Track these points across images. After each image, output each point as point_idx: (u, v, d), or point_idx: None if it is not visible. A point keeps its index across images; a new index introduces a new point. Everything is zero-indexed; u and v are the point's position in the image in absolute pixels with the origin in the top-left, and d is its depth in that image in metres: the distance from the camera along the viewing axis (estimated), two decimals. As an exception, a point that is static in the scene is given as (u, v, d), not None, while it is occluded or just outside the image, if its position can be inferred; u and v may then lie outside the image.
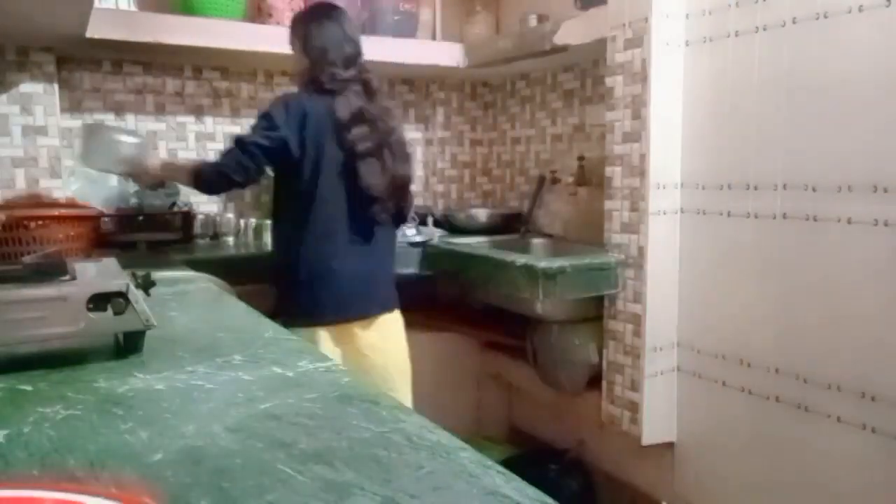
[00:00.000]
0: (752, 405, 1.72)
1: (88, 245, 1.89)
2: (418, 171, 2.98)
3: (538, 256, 2.32)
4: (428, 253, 2.30)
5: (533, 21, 2.46)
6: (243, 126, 2.44)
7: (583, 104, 2.56)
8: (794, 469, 1.65)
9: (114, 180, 2.22)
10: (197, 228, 2.36)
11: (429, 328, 2.55)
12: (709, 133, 1.79)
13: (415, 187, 2.89)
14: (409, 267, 2.29)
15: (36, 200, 2.03)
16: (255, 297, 1.50)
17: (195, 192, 1.86)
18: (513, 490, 0.53)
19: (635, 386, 1.90)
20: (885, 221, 1.43)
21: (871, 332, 1.47)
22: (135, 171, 1.86)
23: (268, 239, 2.27)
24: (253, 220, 2.48)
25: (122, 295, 0.88)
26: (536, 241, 2.55)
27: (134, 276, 0.96)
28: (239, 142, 1.70)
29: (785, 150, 1.62)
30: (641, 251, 1.86)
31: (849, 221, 1.49)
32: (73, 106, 2.33)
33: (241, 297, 1.57)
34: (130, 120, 2.43)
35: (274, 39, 2.14)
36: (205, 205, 2.50)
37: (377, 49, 2.49)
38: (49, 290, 0.87)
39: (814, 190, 1.56)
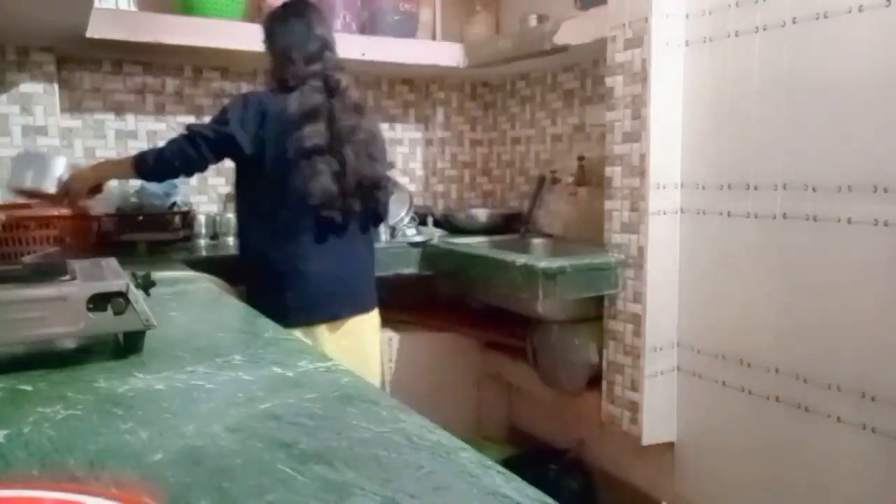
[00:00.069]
0: (752, 405, 1.72)
1: (88, 245, 1.90)
2: (418, 171, 2.98)
3: (538, 256, 2.32)
4: (428, 253, 2.30)
5: (533, 21, 2.46)
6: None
7: (583, 104, 2.56)
8: (794, 469, 1.65)
9: (114, 181, 2.21)
10: (197, 228, 2.36)
11: (429, 328, 2.55)
12: (709, 133, 1.79)
13: (414, 187, 2.91)
14: (409, 267, 2.29)
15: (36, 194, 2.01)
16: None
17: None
18: (513, 490, 0.53)
19: (635, 386, 1.90)
20: (885, 221, 1.43)
21: (871, 332, 1.47)
22: (69, 184, 1.83)
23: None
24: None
25: (122, 295, 0.88)
26: (536, 241, 2.56)
27: (134, 276, 0.96)
28: (188, 130, 1.71)
29: (785, 150, 1.62)
30: (641, 251, 1.86)
31: (849, 221, 1.49)
32: (73, 106, 2.33)
33: (241, 297, 1.57)
34: (130, 120, 2.43)
35: (274, 39, 2.14)
36: (205, 205, 2.51)
37: (377, 49, 2.50)
38: (49, 290, 0.87)
39: (814, 190, 1.56)
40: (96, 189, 1.87)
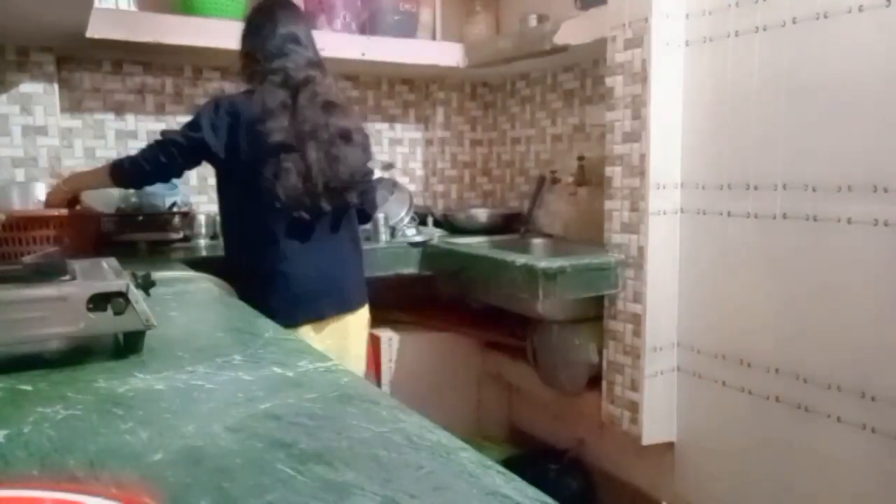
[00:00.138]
0: (752, 405, 1.72)
1: (88, 245, 1.90)
2: (418, 171, 2.98)
3: (538, 256, 2.32)
4: (428, 253, 2.30)
5: (533, 21, 2.46)
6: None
7: (583, 104, 2.56)
8: (794, 469, 1.65)
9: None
10: (197, 228, 2.36)
11: (429, 328, 2.55)
12: (709, 133, 1.79)
13: (414, 187, 2.91)
14: (409, 267, 2.29)
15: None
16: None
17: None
18: (513, 490, 0.53)
19: (635, 386, 1.90)
20: (885, 221, 1.43)
21: (871, 332, 1.47)
22: (47, 201, 1.86)
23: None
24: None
25: (122, 295, 0.88)
26: (536, 241, 2.56)
27: (134, 276, 0.96)
28: (162, 136, 1.72)
29: (785, 150, 1.62)
30: (641, 251, 1.86)
31: (849, 221, 1.49)
32: (73, 106, 2.33)
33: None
34: (130, 120, 2.43)
35: (274, 39, 2.14)
36: (205, 205, 2.50)
37: (377, 49, 2.50)
38: (49, 290, 0.86)
39: (814, 190, 1.56)
40: (74, 201, 1.88)
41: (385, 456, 0.60)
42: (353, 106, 2.74)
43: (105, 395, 0.76)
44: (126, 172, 1.74)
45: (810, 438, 1.60)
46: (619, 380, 1.95)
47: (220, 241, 2.36)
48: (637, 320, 1.88)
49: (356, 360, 1.84)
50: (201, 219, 2.38)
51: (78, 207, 1.90)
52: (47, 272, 0.94)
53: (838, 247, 1.52)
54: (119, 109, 2.41)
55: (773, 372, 1.67)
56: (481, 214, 2.71)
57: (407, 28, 2.65)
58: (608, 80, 1.94)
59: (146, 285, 0.98)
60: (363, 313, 1.86)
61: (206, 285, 1.53)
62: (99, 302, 0.87)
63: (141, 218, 2.21)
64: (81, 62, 2.34)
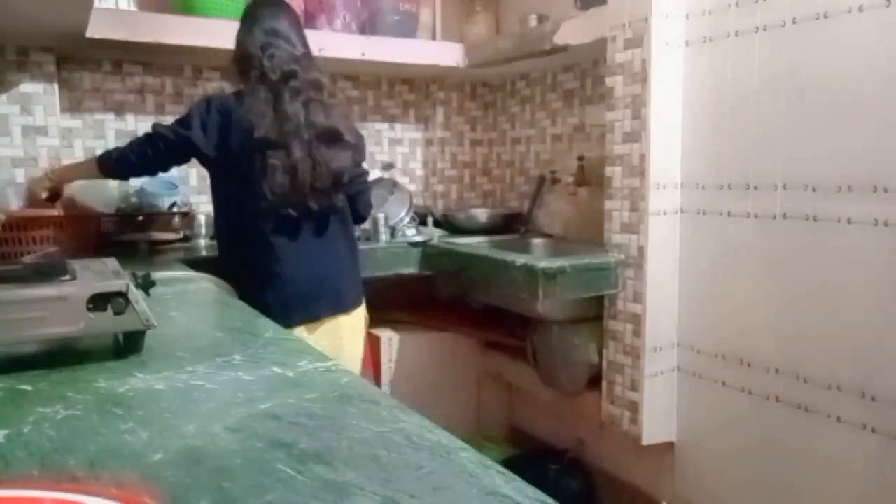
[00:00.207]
0: (752, 405, 1.72)
1: (88, 245, 1.90)
2: (418, 171, 2.98)
3: (538, 256, 2.32)
4: (428, 253, 2.30)
5: (533, 21, 2.46)
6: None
7: (583, 104, 2.56)
8: (794, 469, 1.65)
9: (114, 181, 2.22)
10: (197, 228, 2.36)
11: (429, 328, 2.55)
12: (709, 133, 1.79)
13: (414, 187, 2.91)
14: (409, 267, 2.29)
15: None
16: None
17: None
18: (513, 490, 0.53)
19: (635, 386, 1.90)
20: (885, 221, 1.43)
21: (871, 332, 1.47)
22: (29, 193, 1.86)
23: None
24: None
25: (122, 295, 0.88)
26: (536, 241, 2.56)
27: (134, 276, 0.96)
28: (151, 130, 1.72)
29: (785, 150, 1.62)
30: (641, 251, 1.86)
31: (849, 221, 1.49)
32: (73, 106, 2.33)
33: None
34: (130, 120, 2.43)
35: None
36: (205, 205, 2.50)
37: (377, 49, 2.50)
38: (49, 290, 0.86)
39: (814, 190, 1.56)
40: (56, 195, 1.87)
41: (385, 456, 0.60)
42: (348, 104, 2.74)
43: (105, 395, 0.76)
44: (114, 164, 1.76)
45: (810, 438, 1.60)
46: (619, 380, 1.95)
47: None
48: (637, 320, 1.88)
49: (351, 361, 1.84)
50: (201, 219, 2.38)
51: (57, 203, 1.88)
52: (47, 272, 0.93)
53: (838, 247, 1.52)
54: (119, 109, 2.41)
55: (773, 372, 1.67)
56: (481, 214, 2.71)
57: (407, 28, 2.65)
58: (608, 80, 1.94)
59: (146, 285, 0.98)
60: (359, 313, 1.86)
61: (205, 285, 1.53)
62: (99, 302, 0.87)
63: (141, 218, 2.21)
64: (81, 62, 2.34)
